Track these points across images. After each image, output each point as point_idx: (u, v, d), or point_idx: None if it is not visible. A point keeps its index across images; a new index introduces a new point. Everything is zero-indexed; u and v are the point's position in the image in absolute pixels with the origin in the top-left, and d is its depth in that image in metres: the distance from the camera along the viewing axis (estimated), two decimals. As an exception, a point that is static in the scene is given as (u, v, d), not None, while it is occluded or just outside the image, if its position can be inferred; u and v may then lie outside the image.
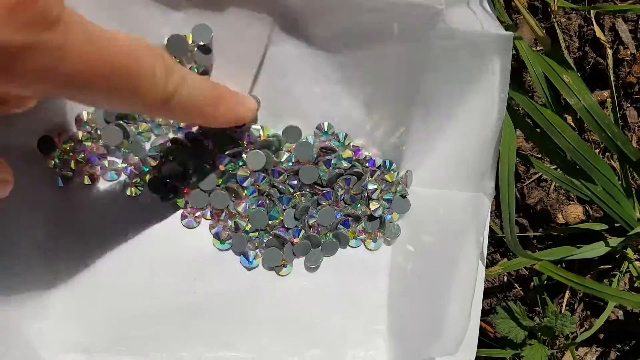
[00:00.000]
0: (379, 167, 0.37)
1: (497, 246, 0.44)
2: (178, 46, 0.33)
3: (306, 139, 0.36)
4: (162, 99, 0.26)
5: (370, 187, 0.37)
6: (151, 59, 0.25)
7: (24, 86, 0.22)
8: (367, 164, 0.37)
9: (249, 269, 0.36)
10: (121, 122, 0.34)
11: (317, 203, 0.37)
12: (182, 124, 0.35)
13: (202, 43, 0.33)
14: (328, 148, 0.36)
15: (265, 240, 0.36)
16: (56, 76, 0.21)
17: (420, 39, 0.32)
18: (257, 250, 0.36)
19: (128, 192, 0.35)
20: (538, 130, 0.38)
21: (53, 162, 0.34)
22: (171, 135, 0.35)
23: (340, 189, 0.37)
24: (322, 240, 0.37)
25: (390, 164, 0.37)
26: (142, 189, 0.35)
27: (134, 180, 0.35)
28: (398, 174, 0.37)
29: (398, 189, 0.37)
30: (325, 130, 0.36)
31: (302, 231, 0.37)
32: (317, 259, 0.37)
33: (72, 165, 0.35)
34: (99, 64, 0.23)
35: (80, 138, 0.35)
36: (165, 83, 0.26)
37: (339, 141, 0.36)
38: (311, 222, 0.36)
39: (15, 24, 0.19)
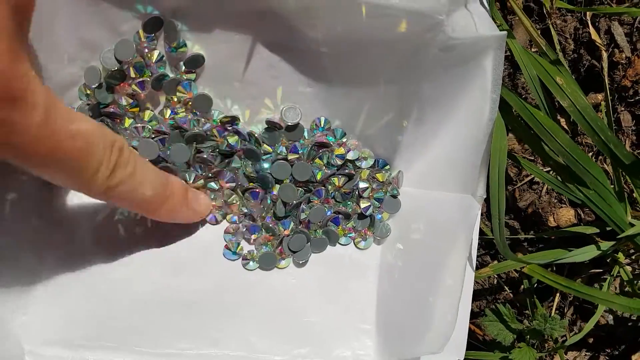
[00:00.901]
0: (371, 167, 0.37)
1: (488, 248, 0.44)
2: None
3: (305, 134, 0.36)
4: (102, 190, 0.27)
5: (361, 185, 0.37)
6: (101, 155, 0.26)
7: None
8: (359, 164, 0.37)
9: (234, 261, 0.36)
10: (106, 118, 0.34)
11: (307, 200, 0.37)
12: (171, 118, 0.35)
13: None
14: (323, 143, 0.36)
15: (255, 235, 0.36)
16: (8, 152, 0.23)
17: (417, 49, 0.31)
18: (240, 243, 0.36)
19: None
20: (531, 132, 0.38)
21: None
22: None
23: (331, 187, 0.36)
24: (312, 236, 0.37)
25: (384, 163, 0.37)
26: None
27: None
28: (390, 174, 0.37)
29: (389, 189, 0.37)
30: (322, 125, 0.36)
31: (292, 224, 0.36)
32: (306, 254, 0.36)
33: None
34: (49, 151, 0.24)
35: None
36: (108, 177, 0.27)
37: (334, 137, 0.36)
38: (301, 217, 0.36)
39: None
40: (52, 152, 0.24)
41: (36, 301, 0.34)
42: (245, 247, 0.37)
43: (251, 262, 0.36)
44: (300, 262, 0.37)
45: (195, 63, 0.33)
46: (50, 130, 0.23)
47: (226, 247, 0.36)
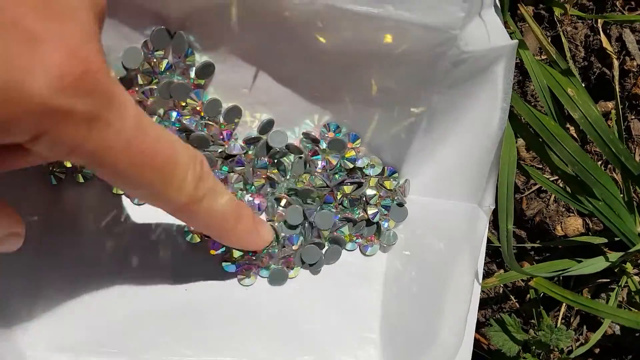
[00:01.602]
0: (379, 174, 0.37)
1: (494, 257, 0.43)
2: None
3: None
4: (187, 202, 0.26)
5: (369, 192, 0.36)
6: (188, 163, 0.25)
7: (57, 154, 0.21)
8: (367, 171, 0.37)
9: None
10: None
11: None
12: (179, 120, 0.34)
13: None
14: (311, 137, 0.35)
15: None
16: (98, 157, 0.21)
17: (430, 62, 0.31)
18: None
19: (114, 190, 0.34)
20: (540, 140, 0.38)
21: (45, 159, 0.34)
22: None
23: (340, 193, 0.36)
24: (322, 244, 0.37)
25: (392, 171, 0.37)
26: None
27: None
28: (398, 182, 0.37)
29: (396, 196, 0.37)
30: (332, 130, 0.36)
31: (301, 237, 0.36)
32: (321, 265, 0.36)
33: (67, 162, 0.34)
34: (138, 154, 0.22)
35: None
36: (193, 189, 0.26)
37: (349, 140, 0.36)
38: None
39: (78, 93, 0.19)
40: (142, 158, 0.22)
41: (38, 308, 0.33)
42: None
43: (247, 279, 0.36)
44: (316, 271, 0.37)
45: (206, 71, 0.33)
46: (143, 134, 0.22)
47: (225, 259, 0.36)
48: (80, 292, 0.34)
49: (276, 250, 0.36)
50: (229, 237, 0.31)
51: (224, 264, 0.35)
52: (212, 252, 0.35)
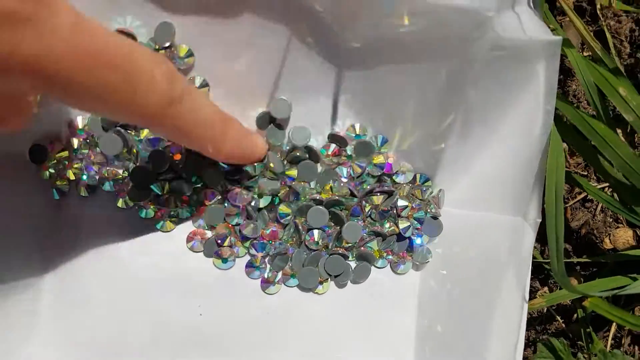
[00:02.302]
0: (410, 182, 0.34)
1: (537, 273, 0.40)
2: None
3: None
4: (164, 103, 0.23)
5: (400, 203, 0.33)
6: (150, 63, 0.22)
7: (8, 77, 0.19)
8: (397, 178, 0.33)
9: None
10: (120, 129, 0.31)
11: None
12: None
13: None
14: (336, 136, 0.33)
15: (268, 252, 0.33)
16: (41, 63, 0.19)
17: (465, 49, 0.28)
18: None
19: (119, 204, 0.32)
20: (588, 145, 0.34)
21: (48, 172, 0.32)
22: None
23: (368, 205, 0.33)
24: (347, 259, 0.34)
25: (424, 178, 0.34)
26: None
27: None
28: (431, 192, 0.34)
29: (429, 208, 0.34)
30: (358, 132, 0.33)
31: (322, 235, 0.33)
32: (347, 276, 0.34)
33: (70, 175, 0.32)
34: (88, 55, 0.20)
35: (75, 146, 0.32)
36: (167, 88, 0.23)
37: (376, 145, 0.33)
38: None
39: None
40: (93, 61, 0.20)
41: (42, 330, 0.32)
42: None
43: (272, 286, 0.33)
44: (341, 285, 0.34)
45: (166, 32, 0.30)
46: (87, 34, 0.20)
47: (248, 265, 0.33)
48: (84, 315, 0.32)
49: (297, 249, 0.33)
50: (219, 146, 0.28)
51: (246, 270, 0.33)
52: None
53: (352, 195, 0.33)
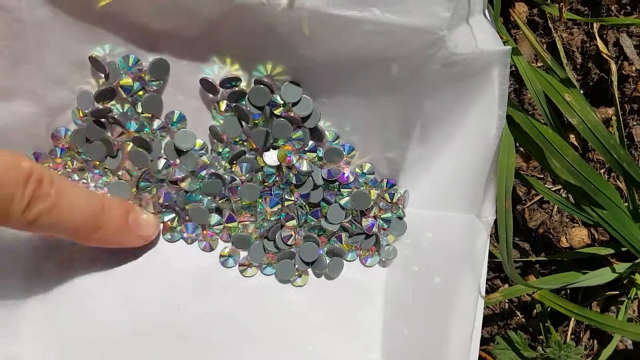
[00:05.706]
0: (378, 186, 0.36)
1: (498, 271, 0.42)
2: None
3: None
4: (20, 225, 0.27)
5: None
6: (14, 187, 0.25)
7: None
8: (368, 182, 0.36)
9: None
10: (108, 138, 0.33)
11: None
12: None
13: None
14: (290, 118, 0.34)
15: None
16: None
17: (419, 66, 0.30)
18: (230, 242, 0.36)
19: None
20: (540, 149, 0.36)
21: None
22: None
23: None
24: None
25: (390, 184, 0.36)
26: None
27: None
28: (398, 195, 0.36)
29: (395, 210, 0.36)
30: (330, 139, 0.35)
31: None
32: (322, 266, 0.36)
33: None
34: None
35: (59, 155, 0.33)
36: (22, 212, 0.26)
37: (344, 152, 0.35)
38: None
39: None
40: None
41: (28, 331, 0.33)
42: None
43: (249, 269, 0.35)
44: (317, 272, 0.36)
45: (160, 69, 0.33)
46: None
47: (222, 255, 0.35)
48: (71, 315, 0.33)
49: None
50: (89, 243, 0.31)
51: (221, 258, 0.35)
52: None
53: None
